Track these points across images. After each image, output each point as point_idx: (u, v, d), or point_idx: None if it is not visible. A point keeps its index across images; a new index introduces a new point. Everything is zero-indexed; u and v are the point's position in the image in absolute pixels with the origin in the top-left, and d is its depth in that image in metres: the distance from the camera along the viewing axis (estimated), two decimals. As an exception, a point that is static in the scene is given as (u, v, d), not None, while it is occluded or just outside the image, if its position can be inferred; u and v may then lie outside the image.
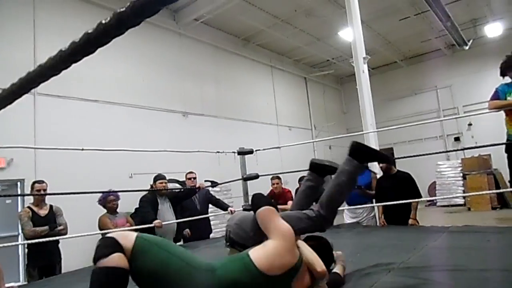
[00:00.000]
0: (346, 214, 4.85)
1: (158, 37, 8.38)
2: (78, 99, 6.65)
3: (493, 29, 11.29)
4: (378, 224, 4.59)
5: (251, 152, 4.89)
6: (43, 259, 3.97)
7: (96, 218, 4.37)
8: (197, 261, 1.61)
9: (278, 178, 5.38)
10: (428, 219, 6.47)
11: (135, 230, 3.65)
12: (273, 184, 5.38)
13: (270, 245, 1.63)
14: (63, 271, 4.09)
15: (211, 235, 5.26)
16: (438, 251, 2.72)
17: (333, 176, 2.33)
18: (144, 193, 4.47)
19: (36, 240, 3.50)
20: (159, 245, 1.56)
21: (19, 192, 5.75)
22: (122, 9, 0.61)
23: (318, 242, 1.97)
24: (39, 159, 5.79)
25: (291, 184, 6.30)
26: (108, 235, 1.54)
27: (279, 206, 3.06)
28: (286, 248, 1.61)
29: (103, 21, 0.64)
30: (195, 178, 5.04)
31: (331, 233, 3.56)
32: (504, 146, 3.51)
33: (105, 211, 4.44)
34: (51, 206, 4.13)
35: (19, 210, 5.21)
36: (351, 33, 6.77)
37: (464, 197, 10.06)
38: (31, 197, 4.31)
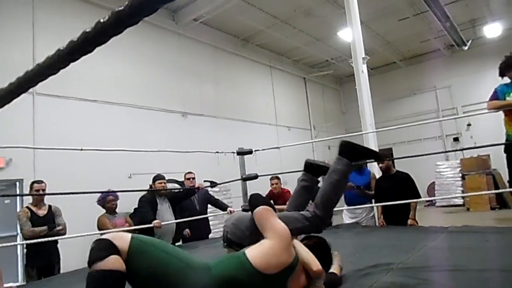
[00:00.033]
0: (345, 215, 4.86)
1: (157, 37, 8.38)
2: (77, 99, 6.64)
3: (492, 30, 11.30)
4: (377, 224, 4.59)
5: (250, 152, 4.89)
6: (42, 259, 3.96)
7: (95, 218, 4.37)
8: (194, 260, 1.61)
9: (277, 178, 5.38)
10: (427, 219, 6.48)
11: (134, 230, 3.66)
12: (272, 184, 5.38)
13: (266, 244, 1.64)
14: (62, 271, 4.08)
15: (210, 235, 5.26)
16: (437, 251, 2.72)
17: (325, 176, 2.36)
18: (143, 193, 4.46)
19: (35, 240, 3.49)
20: (155, 246, 1.55)
21: (18, 192, 5.74)
22: (120, 8, 0.61)
23: (315, 242, 1.97)
24: (38, 159, 5.78)
25: (290, 184, 6.28)
26: (103, 236, 1.50)
27: (278, 207, 3.08)
28: (282, 247, 1.61)
29: (102, 20, 0.64)
30: (194, 178, 5.04)
31: (330, 233, 3.56)
32: (503, 146, 3.52)
33: (104, 211, 4.44)
34: (50, 206, 4.13)
35: (18, 210, 5.20)
36: (350, 34, 6.78)
37: (463, 198, 10.07)
38: (30, 197, 4.31)
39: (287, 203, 2.55)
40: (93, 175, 6.20)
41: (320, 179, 2.57)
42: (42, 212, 4.02)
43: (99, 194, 4.47)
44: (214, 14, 8.69)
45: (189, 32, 9.04)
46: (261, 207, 1.81)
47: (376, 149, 5.80)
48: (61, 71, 0.85)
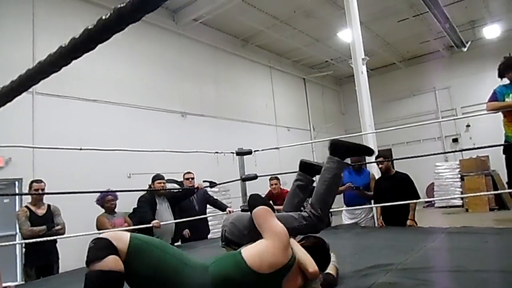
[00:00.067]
0: (345, 215, 4.86)
1: (157, 37, 8.38)
2: (77, 99, 6.63)
3: (491, 31, 11.33)
4: (376, 225, 4.60)
5: (249, 152, 4.90)
6: (41, 258, 3.96)
7: (94, 218, 4.36)
8: (192, 260, 1.61)
9: (277, 178, 5.38)
10: (426, 220, 6.48)
11: (133, 230, 3.66)
12: (271, 184, 5.38)
13: (263, 244, 1.65)
14: (60, 271, 4.07)
15: (209, 236, 5.26)
16: (436, 252, 2.73)
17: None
18: (143, 193, 4.46)
19: (34, 240, 3.49)
20: (154, 246, 1.54)
21: (17, 191, 5.73)
22: (122, 5, 0.61)
23: (314, 243, 1.96)
24: (37, 159, 5.78)
25: (289, 185, 6.23)
26: (101, 235, 1.48)
27: (277, 207, 3.08)
28: (278, 247, 1.62)
29: (103, 17, 0.64)
30: (193, 178, 5.04)
31: (329, 233, 3.57)
32: (502, 147, 3.53)
33: (103, 211, 4.43)
34: (49, 206, 4.12)
35: (17, 209, 5.19)
36: (350, 34, 6.78)
37: (462, 198, 10.07)
38: (29, 197, 4.30)
39: (284, 203, 2.56)
40: (93, 174, 6.20)
41: (316, 178, 2.59)
42: (41, 211, 4.02)
43: (98, 194, 4.46)
44: (214, 15, 8.70)
45: (189, 32, 9.04)
46: (260, 207, 1.82)
47: (375, 150, 5.80)
48: (61, 70, 0.85)
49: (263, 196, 2.98)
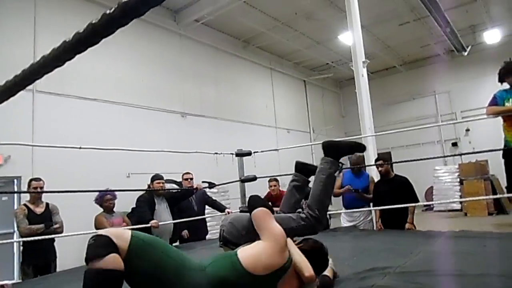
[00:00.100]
0: (343, 218, 4.86)
1: (158, 37, 8.39)
2: (77, 98, 6.63)
3: (492, 36, 11.36)
4: (375, 228, 4.59)
5: (249, 154, 4.89)
6: (38, 257, 3.95)
7: (93, 217, 4.36)
8: (190, 261, 1.61)
9: (276, 180, 5.38)
10: (424, 223, 6.48)
11: (132, 230, 3.65)
12: (270, 186, 5.38)
13: (259, 245, 1.65)
14: (58, 269, 4.06)
15: (208, 236, 5.26)
16: (435, 256, 2.72)
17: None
18: (141, 193, 4.46)
19: (32, 238, 3.48)
20: (154, 245, 1.53)
21: (15, 189, 5.73)
22: (126, -1, 0.61)
23: (312, 246, 1.92)
24: (36, 157, 5.77)
25: (288, 187, 6.29)
26: (102, 233, 1.44)
27: (276, 208, 3.07)
28: (275, 249, 1.61)
29: (108, 11, 0.64)
30: (191, 178, 5.04)
31: (328, 236, 3.56)
32: (501, 152, 3.53)
33: (101, 210, 4.42)
34: (47, 204, 4.11)
35: (15, 207, 5.18)
36: (351, 37, 6.79)
37: (460, 202, 10.08)
38: (28, 195, 4.29)
39: (281, 203, 2.57)
40: (92, 174, 6.20)
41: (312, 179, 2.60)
42: (39, 210, 4.01)
43: (97, 193, 4.45)
44: (215, 16, 8.70)
45: (190, 33, 9.05)
46: (260, 208, 1.81)
47: (375, 153, 5.81)
48: (62, 69, 0.85)
49: (262, 197, 2.98)
